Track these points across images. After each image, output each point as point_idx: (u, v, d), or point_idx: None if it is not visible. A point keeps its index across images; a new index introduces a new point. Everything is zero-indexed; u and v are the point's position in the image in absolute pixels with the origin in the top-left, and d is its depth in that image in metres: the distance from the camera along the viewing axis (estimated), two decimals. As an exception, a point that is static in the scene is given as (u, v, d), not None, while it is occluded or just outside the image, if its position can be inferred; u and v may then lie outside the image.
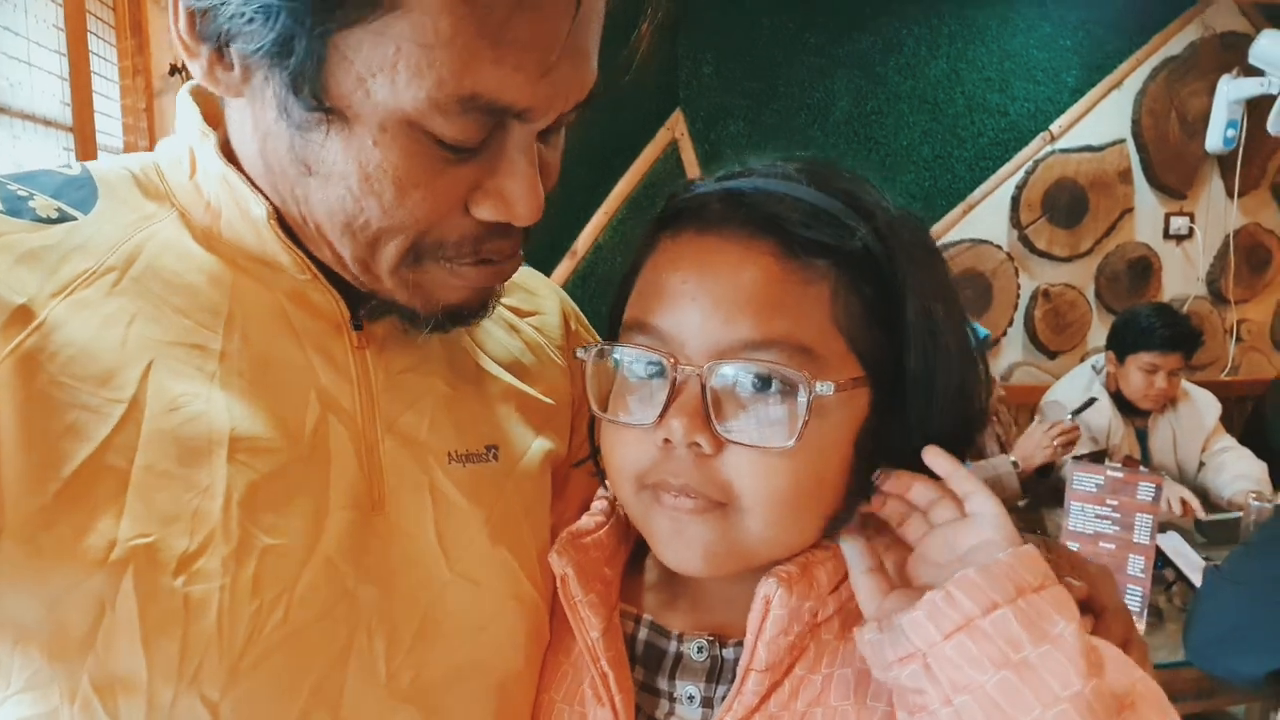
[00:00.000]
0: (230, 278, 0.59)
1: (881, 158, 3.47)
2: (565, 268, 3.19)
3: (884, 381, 0.60)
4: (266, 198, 0.59)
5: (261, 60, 0.52)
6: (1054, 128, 3.60)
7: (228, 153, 0.60)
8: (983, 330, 2.50)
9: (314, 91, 0.51)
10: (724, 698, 0.61)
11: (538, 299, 0.84)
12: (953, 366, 0.61)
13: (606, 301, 0.68)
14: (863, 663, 0.58)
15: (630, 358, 0.61)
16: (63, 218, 0.56)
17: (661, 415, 0.57)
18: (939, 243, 3.47)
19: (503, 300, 0.76)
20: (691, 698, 0.63)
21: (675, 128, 3.20)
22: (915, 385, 0.60)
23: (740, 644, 0.61)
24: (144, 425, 0.53)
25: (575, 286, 3.14)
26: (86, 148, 1.78)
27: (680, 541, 0.59)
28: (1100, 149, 3.64)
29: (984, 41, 3.51)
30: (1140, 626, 1.87)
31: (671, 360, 0.58)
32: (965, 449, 0.65)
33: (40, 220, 0.55)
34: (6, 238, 0.53)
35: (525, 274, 0.84)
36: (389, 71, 0.50)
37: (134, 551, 0.50)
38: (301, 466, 0.58)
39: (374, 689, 0.59)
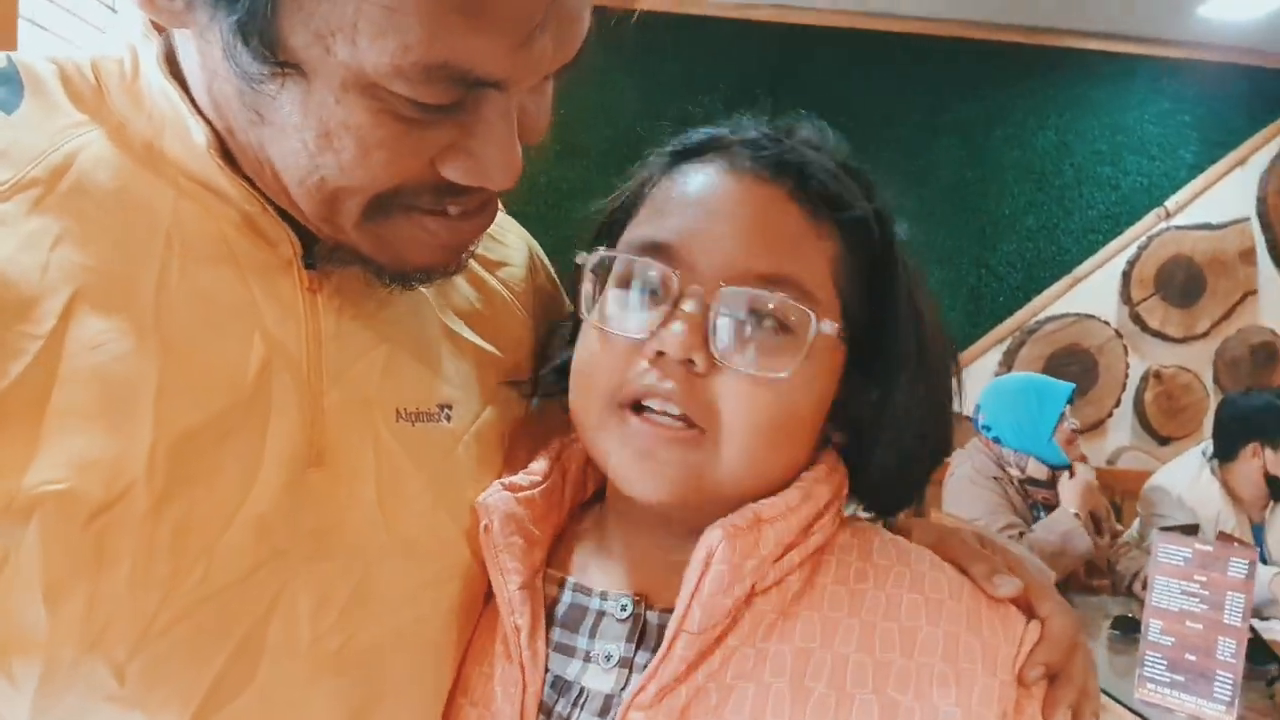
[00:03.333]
0: (170, 200, 0.54)
1: (981, 225, 3.42)
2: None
3: (860, 354, 0.62)
4: (209, 124, 0.53)
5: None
6: (1169, 204, 3.47)
7: (172, 65, 0.54)
8: (1067, 385, 2.39)
9: (266, 43, 0.46)
10: (646, 664, 0.57)
11: (506, 249, 0.77)
12: (938, 360, 0.64)
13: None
14: (803, 641, 0.56)
15: (634, 269, 0.59)
16: None
17: (660, 327, 0.56)
18: (1043, 315, 3.38)
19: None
20: (609, 657, 0.59)
21: (770, 188, 3.23)
22: (897, 364, 0.62)
23: (667, 610, 0.58)
24: (63, 363, 0.47)
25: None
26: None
27: (648, 465, 0.57)
28: (1220, 227, 3.49)
29: (1095, 114, 3.45)
30: (1231, 719, 1.71)
31: (680, 276, 0.57)
32: (923, 479, 0.66)
33: None
34: None
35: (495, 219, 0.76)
36: (349, 31, 0.45)
37: (42, 498, 0.46)
38: (239, 413, 0.53)
39: (295, 656, 0.54)
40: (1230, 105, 3.48)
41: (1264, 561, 2.72)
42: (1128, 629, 2.05)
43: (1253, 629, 1.79)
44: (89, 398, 0.48)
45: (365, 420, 0.59)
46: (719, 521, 0.56)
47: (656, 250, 0.58)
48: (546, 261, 0.82)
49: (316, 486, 0.56)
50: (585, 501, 0.71)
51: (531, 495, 0.65)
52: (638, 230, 0.61)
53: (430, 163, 0.52)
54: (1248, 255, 3.52)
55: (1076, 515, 2.33)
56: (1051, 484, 2.52)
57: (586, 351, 0.61)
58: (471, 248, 0.62)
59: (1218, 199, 3.51)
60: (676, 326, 0.55)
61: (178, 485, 0.49)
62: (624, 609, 0.60)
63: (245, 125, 0.51)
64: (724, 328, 0.56)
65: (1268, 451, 2.63)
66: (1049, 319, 3.45)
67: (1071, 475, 2.49)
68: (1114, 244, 3.47)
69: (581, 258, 0.63)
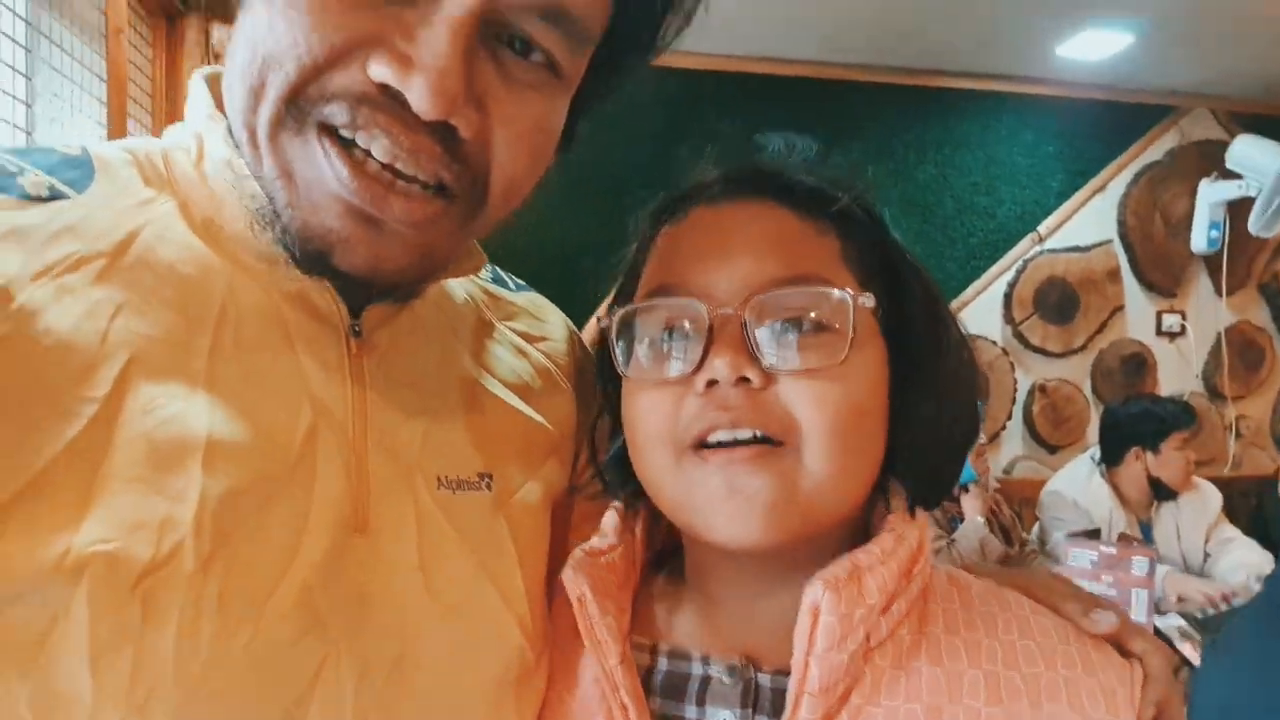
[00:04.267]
0: (227, 274, 0.56)
1: (874, 257, 3.57)
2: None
3: (893, 342, 0.61)
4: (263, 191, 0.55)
5: None
6: (1041, 229, 3.73)
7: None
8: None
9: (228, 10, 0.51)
10: None
11: (545, 325, 0.79)
12: (954, 330, 0.63)
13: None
14: (930, 696, 0.55)
15: (660, 315, 0.59)
16: (54, 195, 0.53)
17: (702, 360, 0.55)
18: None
19: (511, 325, 0.76)
20: None
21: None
22: (923, 343, 0.61)
23: (780, 672, 0.56)
24: (116, 428, 0.49)
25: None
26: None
27: (736, 502, 0.54)
28: (1087, 249, 3.77)
29: (970, 149, 3.69)
30: (1144, 707, 1.84)
31: (706, 305, 0.56)
32: (963, 454, 0.65)
33: (29, 197, 0.52)
34: None
35: (530, 299, 0.81)
36: None
37: (92, 558, 0.46)
38: (285, 476, 0.54)
39: None
40: (1089, 137, 3.77)
41: (1151, 558, 2.93)
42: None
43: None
44: (139, 460, 0.49)
45: (407, 486, 0.60)
46: (816, 574, 0.54)
47: (674, 292, 0.59)
48: (584, 341, 0.83)
49: (359, 552, 0.56)
50: (649, 563, 0.69)
51: (612, 559, 0.63)
52: (648, 285, 0.62)
53: (355, 54, 0.50)
54: (1114, 274, 3.80)
55: (984, 522, 2.48)
56: (958, 499, 2.69)
57: (636, 409, 0.60)
58: (431, 265, 0.58)
59: (1084, 223, 3.78)
60: (720, 350, 0.55)
61: (224, 546, 0.50)
62: (731, 673, 0.58)
63: (227, 92, 0.54)
64: (766, 336, 0.56)
65: (1149, 455, 2.84)
66: (941, 341, 3.63)
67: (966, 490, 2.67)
68: (994, 268, 3.70)
69: (603, 321, 0.63)
